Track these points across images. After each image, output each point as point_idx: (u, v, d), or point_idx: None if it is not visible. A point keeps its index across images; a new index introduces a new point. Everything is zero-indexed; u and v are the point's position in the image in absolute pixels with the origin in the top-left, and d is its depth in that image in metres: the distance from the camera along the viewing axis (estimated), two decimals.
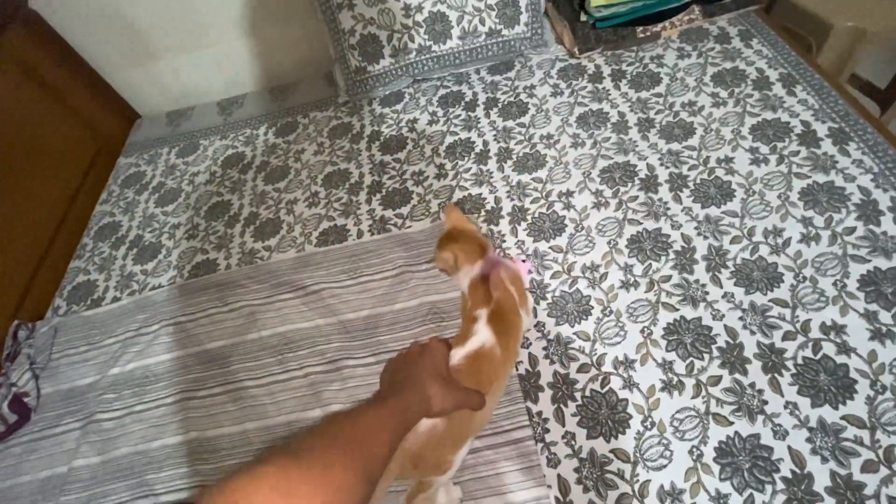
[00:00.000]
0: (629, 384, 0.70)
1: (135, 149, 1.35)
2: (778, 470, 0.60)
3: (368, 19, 1.10)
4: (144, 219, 1.16)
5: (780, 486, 0.59)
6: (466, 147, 1.07)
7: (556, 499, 0.64)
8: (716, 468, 0.62)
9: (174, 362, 0.89)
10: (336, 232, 1.00)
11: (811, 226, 0.79)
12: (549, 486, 0.65)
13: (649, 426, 0.66)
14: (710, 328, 0.72)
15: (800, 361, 0.67)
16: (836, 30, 1.17)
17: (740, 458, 0.62)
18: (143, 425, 0.83)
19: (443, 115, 1.15)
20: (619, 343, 0.74)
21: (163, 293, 0.99)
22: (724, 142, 0.93)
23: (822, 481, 0.59)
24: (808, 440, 0.61)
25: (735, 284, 0.75)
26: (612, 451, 0.65)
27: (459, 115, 1.13)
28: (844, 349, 0.67)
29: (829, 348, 0.67)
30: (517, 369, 0.74)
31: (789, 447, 0.61)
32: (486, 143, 1.06)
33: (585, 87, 1.10)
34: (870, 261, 0.73)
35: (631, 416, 0.67)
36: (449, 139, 1.09)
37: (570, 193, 0.93)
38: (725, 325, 0.72)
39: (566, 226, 0.89)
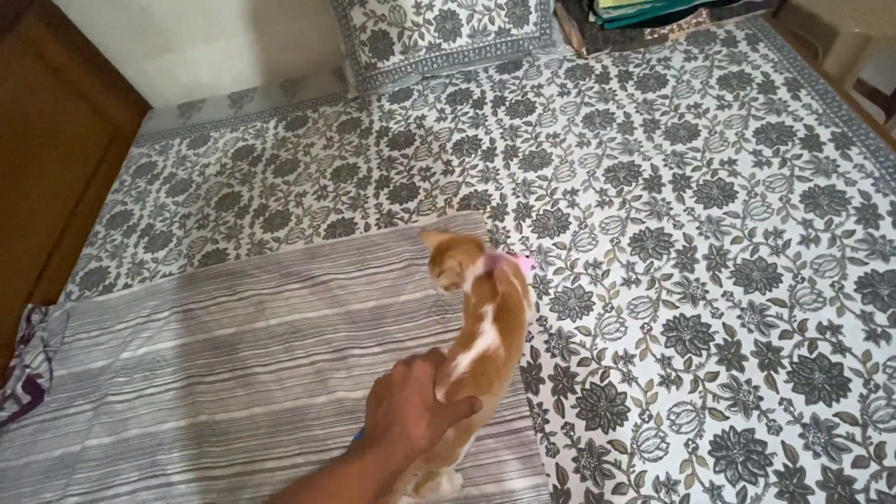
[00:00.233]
0: (628, 378, 0.72)
1: (146, 139, 1.37)
2: (771, 464, 0.62)
3: (380, 16, 1.12)
4: (155, 208, 1.18)
5: (773, 479, 0.61)
6: (473, 144, 1.08)
7: (554, 486, 0.66)
8: (710, 461, 0.64)
9: (184, 348, 0.91)
10: (344, 225, 1.02)
11: (811, 228, 0.80)
12: (548, 475, 0.67)
13: (647, 419, 0.68)
14: (708, 326, 0.74)
15: (795, 360, 0.69)
16: (842, 35, 1.18)
17: (734, 451, 0.64)
18: (154, 408, 0.85)
19: (451, 113, 1.16)
20: (620, 338, 0.76)
21: (173, 281, 1.01)
22: (727, 144, 0.94)
23: (813, 475, 0.60)
24: (802, 436, 0.63)
25: (734, 284, 0.77)
26: (609, 442, 0.67)
27: (467, 113, 1.15)
28: (840, 349, 0.68)
29: (824, 347, 0.69)
30: (519, 361, 0.76)
31: (783, 442, 0.63)
32: (492, 141, 1.08)
33: (592, 88, 1.11)
34: (867, 263, 0.75)
35: (629, 409, 0.69)
36: (456, 136, 1.11)
37: (574, 192, 0.94)
38: (724, 323, 0.74)
39: (570, 223, 0.90)
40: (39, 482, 0.82)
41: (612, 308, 0.79)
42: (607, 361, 0.74)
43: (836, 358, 0.68)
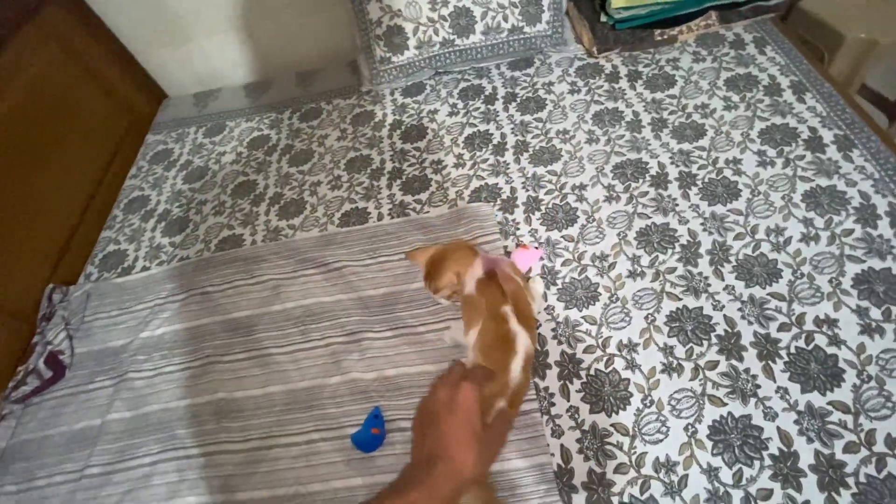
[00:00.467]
0: (631, 365, 0.75)
1: (162, 127, 1.40)
2: (766, 448, 0.65)
3: (396, 11, 1.15)
4: (172, 194, 1.21)
5: (768, 462, 0.64)
6: (485, 139, 1.11)
7: (559, 465, 0.69)
8: (709, 444, 0.67)
9: (201, 329, 0.94)
10: (357, 214, 1.05)
11: (812, 226, 0.83)
12: (553, 455, 0.70)
13: (649, 404, 0.71)
14: (710, 317, 0.77)
15: (793, 351, 0.72)
16: (848, 41, 1.20)
17: (732, 435, 0.67)
18: (173, 385, 0.88)
19: (463, 108, 1.19)
20: (624, 328, 0.79)
21: (190, 265, 1.04)
22: (733, 144, 0.97)
23: (806, 459, 0.64)
24: (796, 422, 0.66)
25: (736, 278, 0.80)
26: (612, 425, 0.70)
27: (479, 108, 1.18)
28: (835, 341, 0.71)
29: (821, 340, 0.72)
30: None
31: (778, 428, 0.66)
32: (503, 136, 1.10)
33: (602, 86, 1.14)
34: (865, 261, 0.78)
35: (632, 395, 0.72)
36: (468, 130, 1.14)
37: (583, 186, 0.97)
38: (725, 315, 0.77)
39: (578, 217, 0.93)
40: (61, 453, 0.85)
41: (617, 299, 0.82)
42: (612, 349, 0.77)
43: (831, 350, 0.71)
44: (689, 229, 0.87)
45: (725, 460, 0.65)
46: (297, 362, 0.85)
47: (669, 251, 0.85)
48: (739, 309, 0.77)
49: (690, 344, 0.75)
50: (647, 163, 0.98)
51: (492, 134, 1.12)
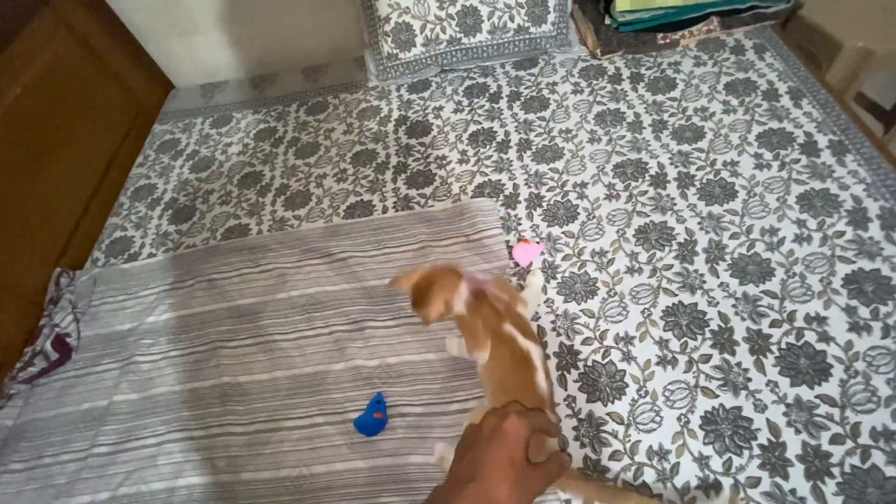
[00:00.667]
0: (628, 357, 0.77)
1: (169, 117, 1.42)
2: (755, 438, 0.68)
3: (404, 8, 1.17)
4: (179, 183, 1.23)
5: (757, 451, 0.67)
6: (488, 136, 1.13)
7: None
8: (700, 434, 0.69)
9: (207, 315, 0.96)
10: (362, 206, 1.07)
11: (805, 227, 0.85)
12: None
13: (643, 395, 0.74)
14: (704, 313, 0.79)
15: (783, 346, 0.74)
16: (845, 49, 1.23)
17: (723, 426, 0.69)
18: (178, 369, 0.90)
19: (467, 105, 1.21)
20: (621, 321, 0.81)
21: (197, 252, 1.06)
22: (731, 146, 0.99)
23: (794, 449, 0.66)
24: (785, 414, 0.69)
25: (731, 276, 0.82)
26: (608, 413, 0.73)
27: (483, 106, 1.20)
28: (824, 338, 0.74)
29: (810, 336, 0.74)
30: None
31: (767, 419, 0.69)
32: (507, 134, 1.13)
33: (605, 87, 1.16)
34: (855, 262, 0.80)
35: (627, 385, 0.75)
36: (472, 127, 1.16)
37: (584, 185, 1.00)
38: (719, 311, 0.79)
39: (579, 214, 0.95)
40: (68, 433, 0.87)
41: (615, 293, 0.84)
42: (609, 341, 0.79)
43: (820, 346, 0.73)
44: (686, 228, 0.89)
45: (716, 449, 0.68)
46: (301, 349, 0.87)
47: (667, 248, 0.88)
48: (733, 305, 0.79)
49: (685, 338, 0.78)
50: (646, 163, 1.00)
51: (496, 131, 1.14)
